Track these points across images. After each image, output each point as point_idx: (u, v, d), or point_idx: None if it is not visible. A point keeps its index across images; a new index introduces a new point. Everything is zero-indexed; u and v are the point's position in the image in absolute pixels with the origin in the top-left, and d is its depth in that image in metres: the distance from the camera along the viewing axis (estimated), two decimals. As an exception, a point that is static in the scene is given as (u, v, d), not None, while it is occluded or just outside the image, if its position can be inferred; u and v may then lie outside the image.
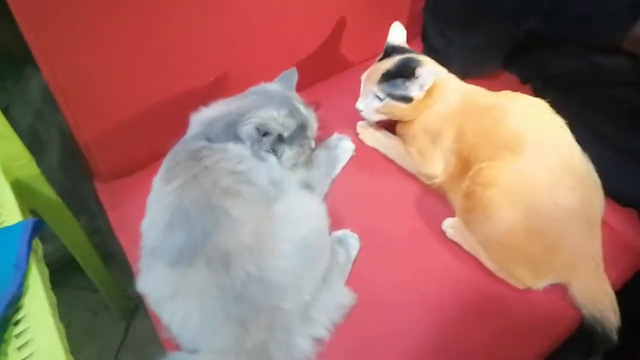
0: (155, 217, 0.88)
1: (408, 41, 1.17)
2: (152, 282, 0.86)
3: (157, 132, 1.11)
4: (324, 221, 0.95)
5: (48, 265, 1.46)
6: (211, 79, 1.17)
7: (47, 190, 1.12)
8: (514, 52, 1.27)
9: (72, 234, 1.24)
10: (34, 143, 1.31)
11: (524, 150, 0.95)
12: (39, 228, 0.88)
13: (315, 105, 1.11)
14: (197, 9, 1.08)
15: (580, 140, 0.99)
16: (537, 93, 1.21)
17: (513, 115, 1.00)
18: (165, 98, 1.14)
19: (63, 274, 1.40)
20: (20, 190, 1.01)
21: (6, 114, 1.02)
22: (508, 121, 0.99)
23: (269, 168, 0.95)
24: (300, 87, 1.11)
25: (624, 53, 1.06)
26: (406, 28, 1.17)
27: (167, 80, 1.13)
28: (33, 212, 1.12)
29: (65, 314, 1.53)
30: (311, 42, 1.31)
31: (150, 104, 1.13)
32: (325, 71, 1.37)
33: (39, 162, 1.32)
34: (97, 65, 1.03)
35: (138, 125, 1.14)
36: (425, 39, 1.40)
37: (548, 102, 1.01)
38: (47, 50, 0.97)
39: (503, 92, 1.07)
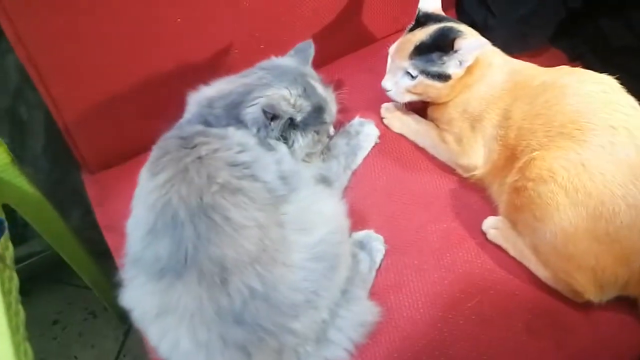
0: (138, 218, 0.75)
1: (440, 13, 1.02)
2: (135, 296, 0.73)
3: (151, 114, 1.00)
4: (343, 223, 0.82)
5: (43, 262, 1.36)
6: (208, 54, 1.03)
7: (21, 181, 0.98)
8: (567, 23, 1.10)
9: (55, 230, 1.11)
10: (14, 127, 1.19)
11: (588, 137, 0.81)
12: (2, 229, 0.73)
13: (335, 85, 0.98)
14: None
15: None
16: (591, 71, 1.05)
17: (573, 94, 0.85)
18: (160, 74, 1.01)
19: (62, 271, 1.30)
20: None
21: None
22: (567, 102, 0.85)
23: (278, 159, 0.81)
24: (318, 64, 0.98)
25: None
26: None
27: (162, 52, 1.00)
28: (8, 208, 0.98)
29: (63, 315, 1.46)
30: (330, 10, 1.15)
31: (142, 81, 1.00)
32: (346, 45, 1.22)
33: (21, 149, 1.20)
34: (76, 34, 0.90)
35: (128, 107, 1.01)
36: (461, 9, 1.24)
37: (617, 79, 0.86)
38: (16, 18, 0.84)
39: (559, 67, 0.92)
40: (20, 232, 1.28)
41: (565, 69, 0.91)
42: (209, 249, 0.69)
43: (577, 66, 1.09)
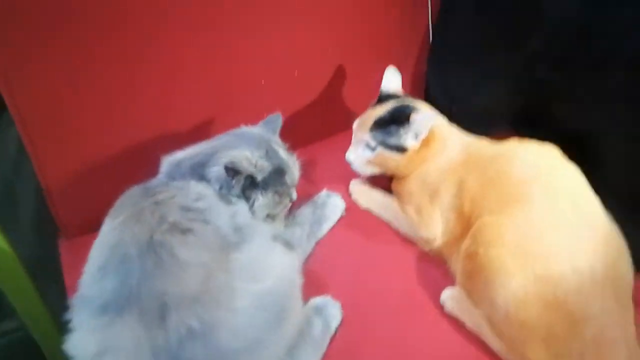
0: (92, 258, 0.77)
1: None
2: (76, 337, 0.71)
3: (130, 180, 1.01)
4: (294, 278, 0.82)
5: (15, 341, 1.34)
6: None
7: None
8: (525, 109, 1.17)
9: (27, 300, 1.10)
10: (7, 198, 1.24)
11: (533, 202, 0.83)
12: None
13: (310, 163, 1.02)
14: (181, 49, 1.02)
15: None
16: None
17: (519, 163, 0.89)
18: (140, 144, 1.06)
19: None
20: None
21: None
22: (514, 170, 0.88)
23: (234, 212, 0.84)
24: (298, 144, 1.03)
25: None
26: (411, 88, 1.09)
27: (143, 123, 1.06)
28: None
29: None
30: (310, 98, 1.23)
31: (123, 150, 1.06)
32: (324, 128, 1.28)
33: (11, 219, 1.23)
34: (64, 101, 0.97)
35: (109, 173, 1.06)
36: (428, 98, 1.30)
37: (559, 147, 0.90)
38: (18, 94, 0.93)
39: (509, 140, 0.96)
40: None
41: (513, 141, 0.95)
42: (152, 284, 0.69)
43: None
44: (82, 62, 0.95)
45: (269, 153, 0.91)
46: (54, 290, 1.34)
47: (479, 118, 1.16)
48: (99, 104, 1.00)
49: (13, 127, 1.10)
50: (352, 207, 1.07)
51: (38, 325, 1.20)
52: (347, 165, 1.05)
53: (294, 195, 0.97)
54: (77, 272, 0.99)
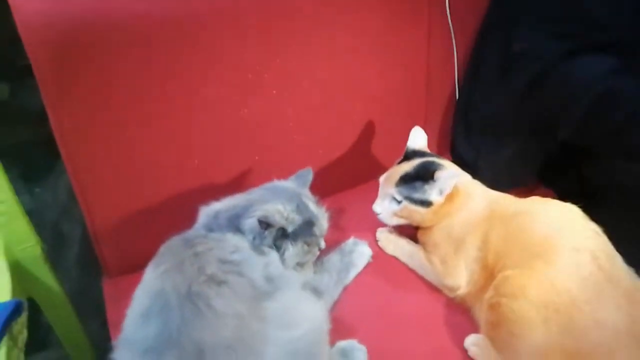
0: (136, 303, 0.82)
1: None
2: None
3: (170, 227, 1.08)
4: (323, 326, 0.85)
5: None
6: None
7: (49, 277, 1.08)
8: (550, 165, 1.20)
9: (72, 333, 1.17)
10: (56, 238, 1.33)
11: (555, 258, 0.87)
12: (20, 310, 0.83)
13: (338, 211, 1.06)
14: (220, 110, 1.10)
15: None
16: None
17: (542, 220, 0.93)
18: (182, 195, 1.13)
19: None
20: (20, 273, 0.98)
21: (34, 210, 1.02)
22: (536, 227, 0.93)
23: (267, 263, 0.89)
24: (327, 193, 1.07)
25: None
26: (437, 142, 1.14)
27: (184, 178, 1.13)
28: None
29: None
30: (341, 150, 1.29)
31: (166, 198, 1.12)
32: (353, 179, 1.33)
33: (58, 258, 1.32)
34: (114, 154, 1.05)
35: (151, 219, 1.12)
36: (454, 151, 1.36)
37: (580, 207, 0.94)
38: (68, 137, 1.01)
39: (531, 197, 1.00)
40: (41, 337, 1.37)
41: (536, 199, 0.99)
42: (190, 332, 0.74)
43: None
44: (131, 120, 1.03)
45: (300, 206, 0.96)
46: (95, 323, 1.42)
47: (503, 171, 1.20)
48: (145, 157, 1.08)
49: (65, 175, 1.20)
50: (378, 254, 1.11)
51: (80, 354, 1.26)
52: (373, 214, 1.09)
53: (323, 245, 1.01)
54: (119, 309, 1.05)
